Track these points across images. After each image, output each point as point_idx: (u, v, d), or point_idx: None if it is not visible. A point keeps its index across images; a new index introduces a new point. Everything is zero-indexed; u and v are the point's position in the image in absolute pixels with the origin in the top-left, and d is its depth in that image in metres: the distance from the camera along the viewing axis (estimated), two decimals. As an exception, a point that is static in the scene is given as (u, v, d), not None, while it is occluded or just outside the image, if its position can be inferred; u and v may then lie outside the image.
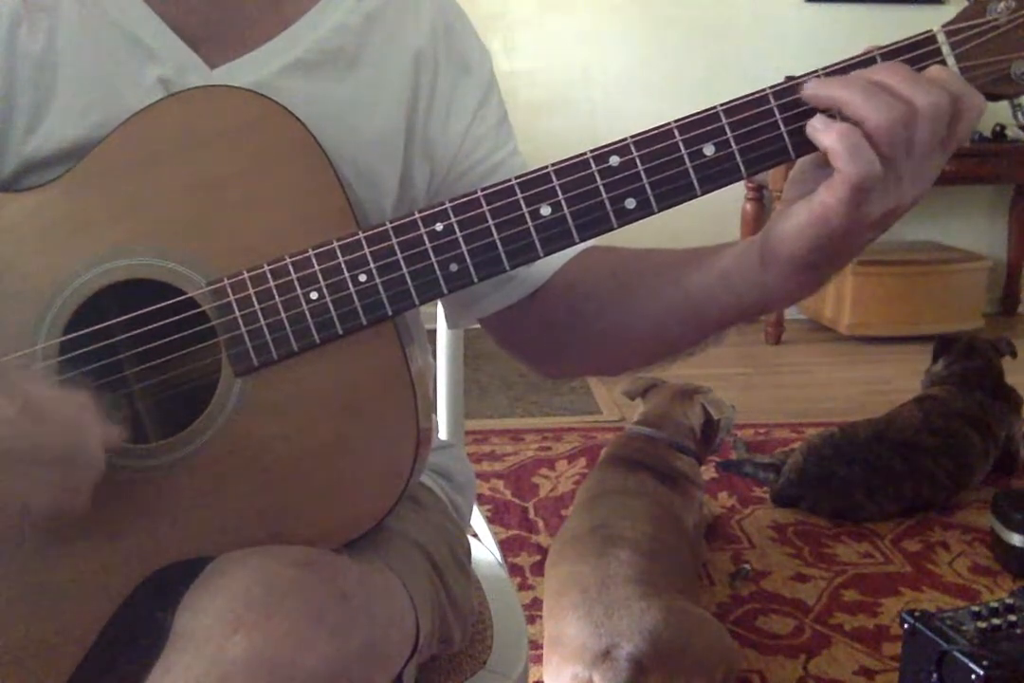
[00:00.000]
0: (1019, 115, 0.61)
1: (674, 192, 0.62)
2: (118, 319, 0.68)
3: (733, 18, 3.67)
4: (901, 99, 0.55)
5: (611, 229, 0.64)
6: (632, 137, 0.62)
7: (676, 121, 0.61)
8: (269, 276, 0.66)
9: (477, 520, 1.18)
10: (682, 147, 0.61)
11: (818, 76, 0.59)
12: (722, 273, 0.66)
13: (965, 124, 0.57)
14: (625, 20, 3.65)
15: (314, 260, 0.66)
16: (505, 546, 1.96)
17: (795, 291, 0.63)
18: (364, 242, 0.65)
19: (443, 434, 1.17)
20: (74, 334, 0.68)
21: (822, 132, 0.57)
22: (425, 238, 0.65)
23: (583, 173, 0.62)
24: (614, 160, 0.62)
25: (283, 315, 0.66)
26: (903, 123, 0.55)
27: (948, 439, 2.14)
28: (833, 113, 0.57)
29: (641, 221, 0.64)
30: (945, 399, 2.25)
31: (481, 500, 2.17)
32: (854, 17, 3.66)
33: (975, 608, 1.32)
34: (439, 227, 0.64)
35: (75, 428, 0.60)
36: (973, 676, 1.20)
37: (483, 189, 0.64)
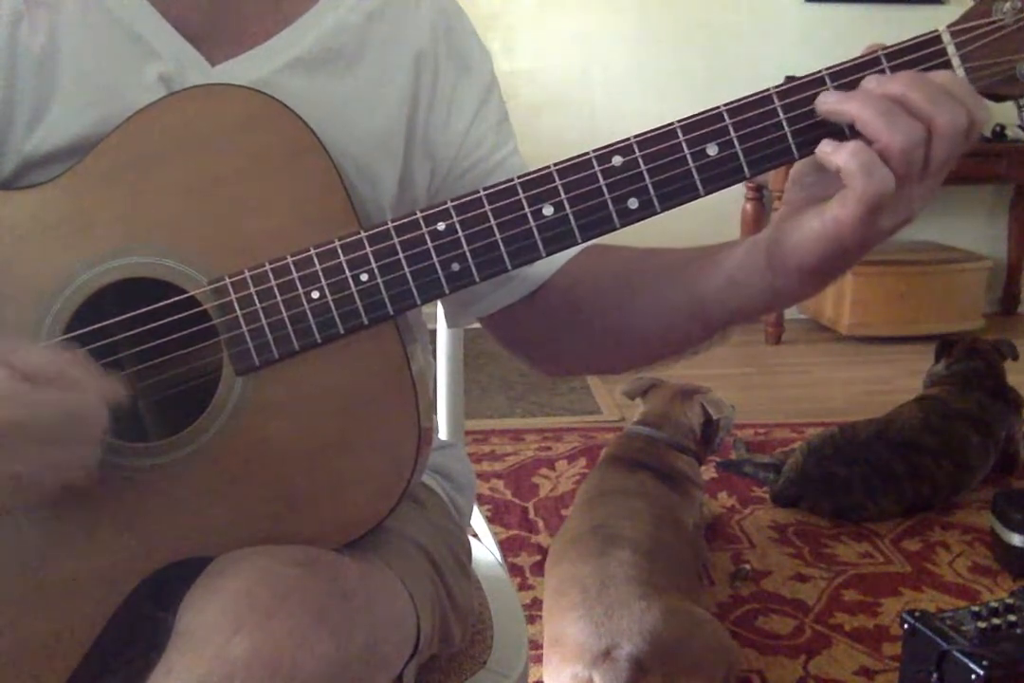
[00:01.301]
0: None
1: (677, 192, 0.61)
2: (119, 317, 0.68)
3: (733, 18, 3.67)
4: (920, 118, 0.55)
5: (613, 229, 0.64)
6: (635, 137, 0.61)
7: (679, 121, 0.61)
8: (270, 275, 0.66)
9: (477, 520, 1.18)
10: (685, 147, 0.60)
11: (821, 77, 0.59)
12: (730, 276, 0.66)
13: (973, 137, 0.57)
14: (625, 20, 3.65)
15: (316, 259, 0.66)
16: (505, 546, 1.96)
17: (803, 293, 0.64)
18: (366, 241, 0.65)
19: (443, 434, 1.17)
20: (75, 332, 0.68)
21: (832, 154, 0.56)
22: (427, 237, 0.65)
23: (586, 173, 0.62)
24: (617, 160, 0.62)
25: (284, 314, 0.66)
26: (920, 144, 0.55)
27: (948, 439, 2.14)
28: (844, 130, 0.57)
29: (642, 221, 0.64)
30: (945, 399, 2.25)
31: (481, 500, 2.17)
32: (854, 17, 3.66)
33: (975, 608, 1.32)
34: (441, 226, 0.64)
35: (71, 384, 0.59)
36: (973, 676, 1.20)
37: (485, 188, 0.64)
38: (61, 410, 0.59)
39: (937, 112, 0.55)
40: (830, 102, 0.58)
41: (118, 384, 0.62)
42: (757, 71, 3.44)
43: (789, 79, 0.60)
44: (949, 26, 0.58)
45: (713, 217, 2.83)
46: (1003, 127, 3.44)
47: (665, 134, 0.61)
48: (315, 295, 0.66)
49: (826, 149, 0.57)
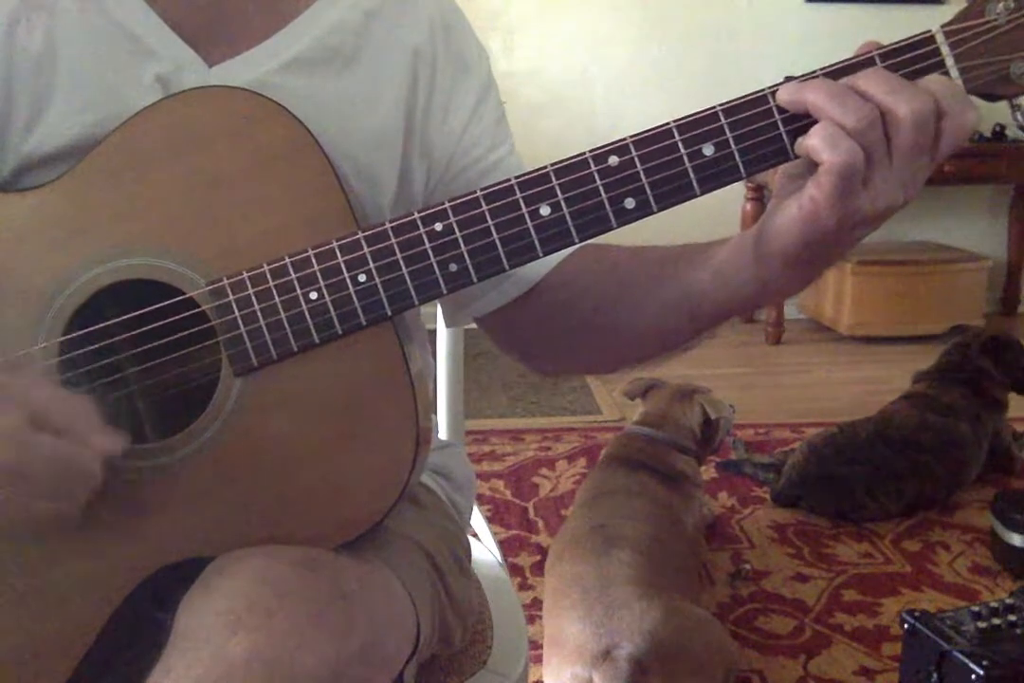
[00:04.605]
0: (1018, 115, 0.61)
1: (673, 192, 0.61)
2: (118, 319, 0.68)
3: (733, 18, 3.67)
4: (872, 101, 0.56)
5: (610, 229, 0.64)
6: (631, 137, 0.61)
7: (675, 121, 0.61)
8: (269, 276, 0.66)
9: (477, 520, 1.18)
10: (681, 147, 0.60)
11: (816, 76, 0.59)
12: (717, 269, 0.66)
13: (949, 138, 0.57)
14: (625, 20, 3.65)
15: (313, 260, 0.66)
16: (505, 546, 1.96)
17: (788, 286, 0.64)
18: (363, 242, 0.65)
19: (443, 434, 1.17)
20: (74, 334, 0.68)
21: (804, 139, 0.58)
22: (424, 238, 0.65)
23: (582, 173, 0.62)
24: (613, 160, 0.62)
25: (282, 315, 0.66)
26: (874, 124, 0.55)
27: (944, 435, 2.14)
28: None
29: (640, 221, 0.64)
30: (933, 395, 2.24)
31: (481, 500, 2.17)
32: (854, 17, 3.66)
33: (975, 608, 1.32)
34: (438, 227, 0.64)
35: (77, 437, 0.59)
36: (973, 676, 1.20)
37: (482, 189, 0.64)
38: (57, 463, 0.59)
39: (899, 100, 0.55)
40: (787, 92, 0.59)
41: (118, 440, 0.62)
42: (757, 71, 3.45)
43: (788, 79, 0.60)
44: (943, 26, 0.58)
45: (713, 217, 2.82)
46: (1003, 127, 3.44)
47: (661, 134, 0.61)
48: (313, 296, 0.66)
49: (799, 139, 0.58)
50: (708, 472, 2.32)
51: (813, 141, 0.56)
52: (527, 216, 0.63)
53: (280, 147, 0.68)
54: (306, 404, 0.67)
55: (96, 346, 0.68)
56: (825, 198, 0.56)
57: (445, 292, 0.65)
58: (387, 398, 0.67)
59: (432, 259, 0.65)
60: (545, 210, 0.63)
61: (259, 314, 0.66)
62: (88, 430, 0.61)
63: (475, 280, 0.65)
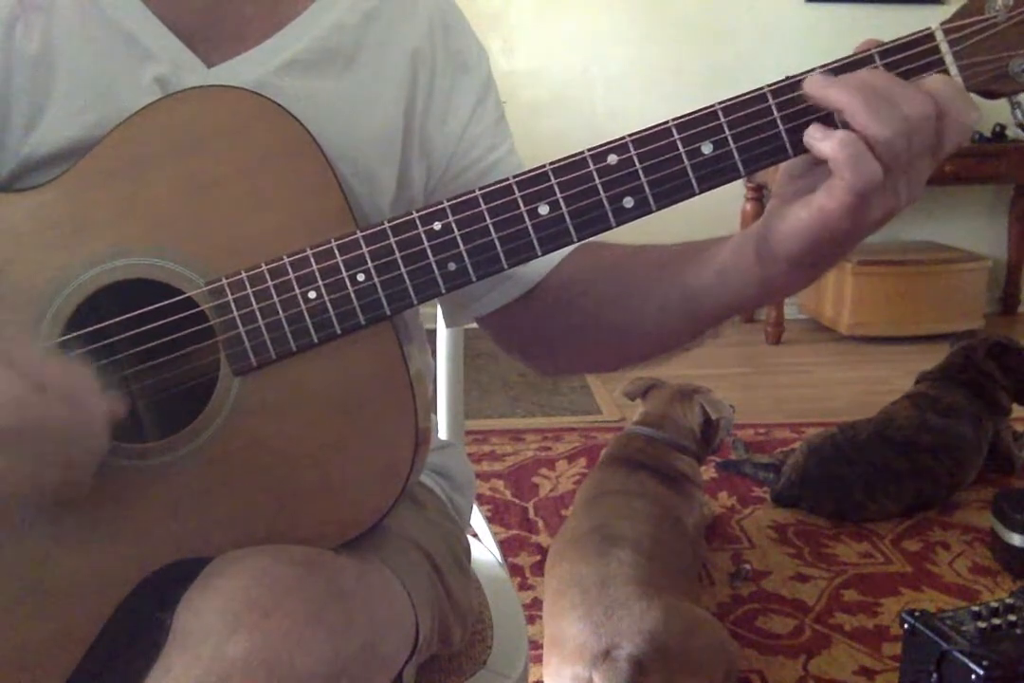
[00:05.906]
0: (1017, 113, 0.61)
1: (672, 191, 0.61)
2: (117, 319, 0.68)
3: (733, 18, 3.67)
4: (899, 108, 0.55)
5: (609, 228, 0.64)
6: (630, 136, 0.61)
7: (674, 120, 0.61)
8: (267, 276, 0.66)
9: (477, 520, 1.18)
10: (680, 146, 0.60)
11: (813, 74, 0.59)
12: (719, 270, 0.66)
13: (951, 138, 0.56)
14: (625, 20, 3.65)
15: (312, 259, 0.66)
16: (505, 546, 1.96)
17: (791, 286, 0.64)
18: (362, 241, 0.65)
19: (443, 434, 1.17)
20: (73, 334, 0.68)
21: (821, 141, 0.56)
22: (423, 237, 0.65)
23: (581, 172, 0.62)
24: (612, 159, 0.62)
25: (281, 315, 0.66)
26: (904, 135, 0.55)
27: (944, 436, 2.14)
28: (832, 117, 0.57)
29: (640, 220, 0.64)
30: (935, 396, 2.24)
31: (481, 500, 2.17)
32: (854, 17, 3.66)
33: (975, 608, 1.32)
34: (437, 226, 0.64)
35: (78, 400, 0.59)
36: (973, 676, 1.20)
37: (481, 188, 0.64)
38: (66, 429, 0.58)
39: (904, 100, 0.55)
40: (817, 84, 0.57)
41: (120, 404, 0.62)
42: (757, 71, 3.44)
43: (788, 79, 0.60)
44: (942, 24, 0.58)
45: (713, 217, 2.82)
46: (1003, 127, 3.44)
47: (660, 132, 0.61)
48: (312, 295, 0.66)
49: (815, 135, 0.57)
50: (708, 472, 2.32)
51: (837, 154, 0.55)
52: (525, 215, 0.63)
53: (279, 147, 0.68)
54: (305, 404, 0.67)
55: (95, 346, 0.68)
56: (839, 211, 0.56)
57: (444, 291, 0.65)
58: (386, 398, 0.66)
59: (431, 258, 0.65)
60: (543, 209, 0.63)
61: (257, 314, 0.66)
62: (90, 393, 0.60)
63: (474, 279, 0.65)
